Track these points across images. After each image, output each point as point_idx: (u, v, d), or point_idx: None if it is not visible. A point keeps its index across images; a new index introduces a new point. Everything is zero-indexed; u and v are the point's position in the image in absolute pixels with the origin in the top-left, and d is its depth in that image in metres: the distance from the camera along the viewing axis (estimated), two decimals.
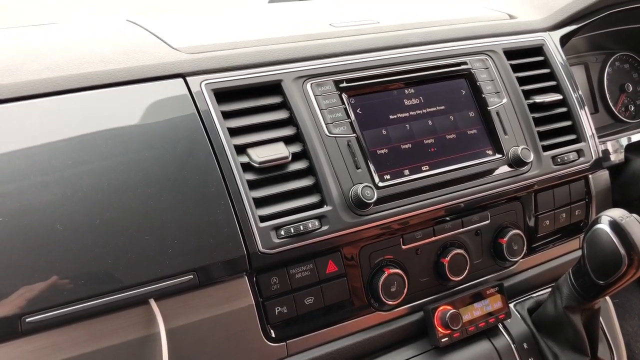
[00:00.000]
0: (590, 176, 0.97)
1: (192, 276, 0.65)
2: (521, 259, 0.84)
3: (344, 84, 0.78)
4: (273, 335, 0.72)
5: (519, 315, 0.87)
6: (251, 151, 0.71)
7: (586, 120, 0.95)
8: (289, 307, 0.72)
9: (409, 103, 0.83)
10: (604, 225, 0.74)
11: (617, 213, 0.74)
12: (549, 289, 0.81)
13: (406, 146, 0.79)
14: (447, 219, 0.83)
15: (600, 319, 0.89)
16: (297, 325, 0.74)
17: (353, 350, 0.78)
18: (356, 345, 0.78)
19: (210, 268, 0.66)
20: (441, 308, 0.81)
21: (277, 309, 0.72)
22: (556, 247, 0.91)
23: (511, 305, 0.88)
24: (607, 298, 0.98)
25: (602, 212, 0.75)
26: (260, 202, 0.68)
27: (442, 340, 0.80)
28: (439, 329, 0.81)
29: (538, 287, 0.89)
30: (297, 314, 0.73)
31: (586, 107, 0.95)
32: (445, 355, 0.81)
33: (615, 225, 0.73)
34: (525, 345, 0.84)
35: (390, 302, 0.78)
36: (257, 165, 0.70)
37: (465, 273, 0.84)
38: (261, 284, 0.71)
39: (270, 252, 0.69)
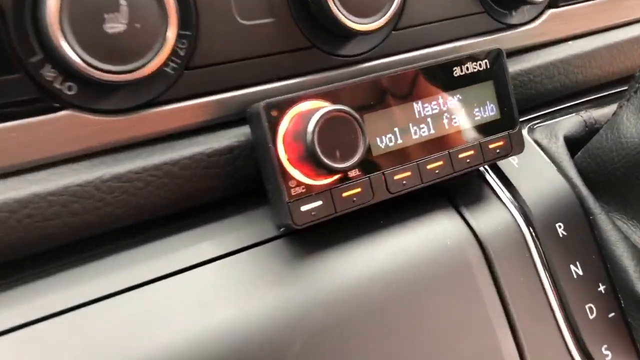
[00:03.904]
0: None
1: None
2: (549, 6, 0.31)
3: None
4: None
5: (539, 151, 0.33)
6: None
7: None
8: None
9: None
10: None
11: None
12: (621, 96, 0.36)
13: None
14: None
15: None
16: None
17: None
18: None
19: None
20: (301, 104, 0.26)
21: None
22: None
23: (524, 131, 0.35)
24: None
25: None
26: None
27: (300, 209, 0.26)
28: (290, 170, 0.26)
29: (593, 90, 0.34)
30: None
31: None
32: (310, 254, 0.28)
33: None
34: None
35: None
36: None
37: (389, 13, 0.28)
38: None
39: None
